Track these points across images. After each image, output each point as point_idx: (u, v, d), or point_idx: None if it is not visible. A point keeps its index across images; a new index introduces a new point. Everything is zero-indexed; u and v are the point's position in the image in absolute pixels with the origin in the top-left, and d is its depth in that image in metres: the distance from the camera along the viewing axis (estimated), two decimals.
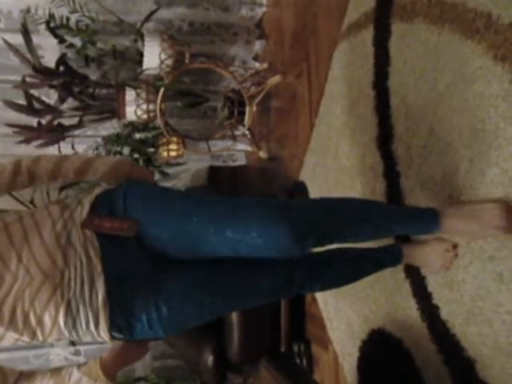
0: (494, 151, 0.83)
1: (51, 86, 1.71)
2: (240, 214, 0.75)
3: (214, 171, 2.21)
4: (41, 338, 0.72)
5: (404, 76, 1.08)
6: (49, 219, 0.74)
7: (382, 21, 1.17)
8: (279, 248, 0.75)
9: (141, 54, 1.78)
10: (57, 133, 1.75)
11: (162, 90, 1.73)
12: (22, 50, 1.66)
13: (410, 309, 1.05)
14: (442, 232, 0.88)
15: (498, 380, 0.83)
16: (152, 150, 1.93)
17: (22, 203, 1.68)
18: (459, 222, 0.84)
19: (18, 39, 1.65)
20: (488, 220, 0.80)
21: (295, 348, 1.60)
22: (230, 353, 1.60)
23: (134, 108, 1.76)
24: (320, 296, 1.51)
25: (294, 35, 1.80)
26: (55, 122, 1.74)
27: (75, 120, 1.79)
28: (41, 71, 1.66)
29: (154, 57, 1.74)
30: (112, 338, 0.75)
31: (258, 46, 2.06)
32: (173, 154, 1.93)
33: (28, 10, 1.68)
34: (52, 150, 1.74)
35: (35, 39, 1.69)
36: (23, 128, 1.72)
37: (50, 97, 1.81)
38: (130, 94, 1.76)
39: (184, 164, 2.04)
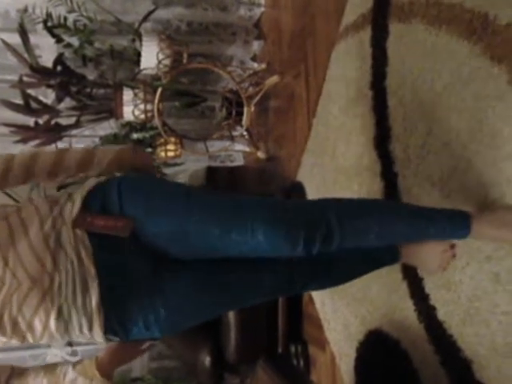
0: (492, 151, 0.83)
1: (48, 86, 1.71)
2: (245, 215, 0.72)
3: (211, 171, 2.21)
4: (31, 341, 0.70)
5: (402, 76, 1.08)
6: (36, 217, 0.70)
7: (379, 21, 1.17)
8: (283, 250, 0.73)
9: (138, 54, 1.77)
10: (54, 132, 1.74)
11: (159, 89, 1.73)
12: (19, 49, 1.65)
13: (407, 310, 1.05)
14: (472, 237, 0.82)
15: (495, 381, 0.83)
16: (150, 150, 1.92)
17: (17, 202, 1.67)
18: (491, 229, 0.79)
19: (15, 39, 1.64)
20: None
21: (292, 349, 1.60)
22: (227, 353, 1.59)
23: (132, 108, 1.76)
24: (317, 296, 1.50)
25: (292, 36, 1.80)
26: (52, 122, 1.74)
27: (72, 120, 1.78)
28: (38, 71, 1.65)
29: (151, 57, 1.73)
30: (107, 340, 0.73)
31: (256, 46, 2.06)
32: (170, 154, 1.92)
33: (25, 10, 1.67)
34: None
35: (33, 39, 1.68)
36: (20, 128, 1.71)
37: (48, 96, 1.81)
38: (127, 94, 1.75)
39: (182, 164, 2.03)
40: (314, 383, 1.33)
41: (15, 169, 0.75)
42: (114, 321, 0.71)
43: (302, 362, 1.57)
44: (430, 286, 0.98)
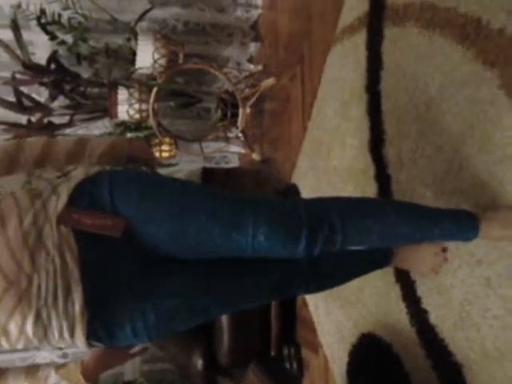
0: (484, 155, 0.84)
1: (42, 84, 1.69)
2: (246, 214, 0.69)
3: (207, 173, 2.20)
4: (6, 346, 0.64)
5: (396, 80, 1.09)
6: (15, 209, 0.63)
7: (374, 25, 1.18)
8: (285, 250, 0.71)
9: (134, 53, 1.76)
10: (47, 131, 1.72)
11: (154, 89, 1.72)
12: (12, 46, 1.63)
13: (399, 313, 1.05)
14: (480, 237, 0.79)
15: None
16: None
17: None
18: (499, 229, 0.76)
19: (8, 35, 1.62)
20: None
21: (285, 352, 1.59)
22: (220, 356, 1.58)
23: (127, 107, 1.74)
24: (310, 299, 1.50)
25: (288, 38, 1.80)
26: (45, 120, 1.72)
27: (66, 118, 1.76)
28: (31, 68, 1.64)
29: (147, 56, 1.73)
30: (89, 346, 0.68)
31: (252, 47, 2.06)
32: (165, 154, 1.92)
33: (19, 6, 1.65)
34: None
35: (27, 35, 1.67)
36: (12, 125, 1.69)
37: (41, 94, 1.79)
38: (122, 93, 1.74)
39: (176, 165, 2.02)
40: None
41: None
42: (98, 325, 0.66)
43: (295, 365, 1.56)
44: (422, 289, 0.98)
